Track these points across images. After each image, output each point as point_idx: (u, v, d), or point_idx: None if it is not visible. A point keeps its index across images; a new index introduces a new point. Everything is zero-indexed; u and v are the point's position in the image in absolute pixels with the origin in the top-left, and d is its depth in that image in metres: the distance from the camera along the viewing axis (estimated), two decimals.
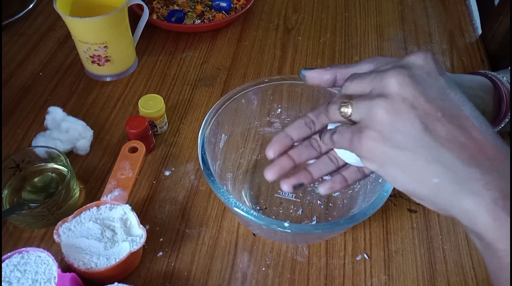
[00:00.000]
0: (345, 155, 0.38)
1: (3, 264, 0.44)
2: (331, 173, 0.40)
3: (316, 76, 0.38)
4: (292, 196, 0.55)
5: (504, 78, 0.51)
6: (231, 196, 0.42)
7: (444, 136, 0.27)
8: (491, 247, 0.27)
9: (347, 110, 0.33)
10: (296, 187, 0.39)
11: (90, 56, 0.67)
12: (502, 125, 0.53)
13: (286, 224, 0.40)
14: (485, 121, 0.29)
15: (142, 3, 0.71)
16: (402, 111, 0.28)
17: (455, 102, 0.28)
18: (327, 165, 0.40)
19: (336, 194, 0.55)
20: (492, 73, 0.52)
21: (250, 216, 0.41)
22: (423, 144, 0.28)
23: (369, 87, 0.31)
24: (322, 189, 0.39)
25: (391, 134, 0.29)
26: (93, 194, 0.55)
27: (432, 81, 0.29)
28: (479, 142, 0.27)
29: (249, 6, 0.80)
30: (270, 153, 0.39)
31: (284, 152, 0.39)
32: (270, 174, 0.38)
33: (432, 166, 0.28)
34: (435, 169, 0.28)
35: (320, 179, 0.40)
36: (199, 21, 0.79)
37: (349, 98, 0.33)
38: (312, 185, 0.55)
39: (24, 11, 0.79)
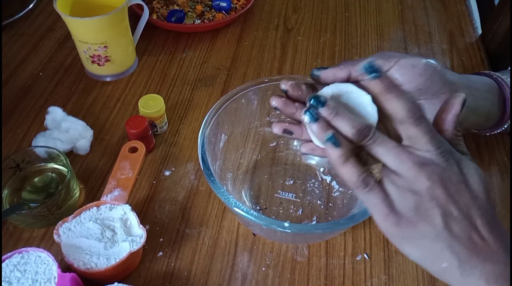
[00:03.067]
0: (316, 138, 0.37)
1: (3, 264, 0.44)
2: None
3: (330, 76, 0.39)
4: (292, 196, 0.55)
5: (508, 79, 0.51)
6: (231, 196, 0.42)
7: (458, 232, 0.32)
8: None
9: (376, 175, 0.34)
10: (286, 132, 0.41)
11: (90, 56, 0.67)
12: (505, 126, 0.53)
13: (286, 224, 0.40)
14: (492, 215, 0.33)
15: (142, 3, 0.71)
16: (429, 209, 0.32)
17: (469, 200, 0.33)
18: None
19: (336, 194, 0.55)
20: (497, 73, 0.52)
21: (250, 216, 0.41)
22: (441, 237, 0.32)
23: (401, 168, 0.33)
24: (303, 149, 0.41)
25: (418, 221, 0.33)
26: (93, 194, 0.55)
27: (454, 182, 0.33)
28: (482, 234, 0.32)
29: (249, 6, 0.80)
30: (284, 85, 0.40)
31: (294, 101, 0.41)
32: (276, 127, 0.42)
33: (445, 253, 0.32)
34: (447, 256, 0.32)
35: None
36: (199, 21, 0.79)
37: (378, 166, 0.35)
38: (312, 185, 0.56)
39: (24, 11, 0.80)
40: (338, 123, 0.34)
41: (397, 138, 0.35)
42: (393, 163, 0.33)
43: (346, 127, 0.34)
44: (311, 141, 0.39)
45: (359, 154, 0.36)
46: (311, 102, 0.35)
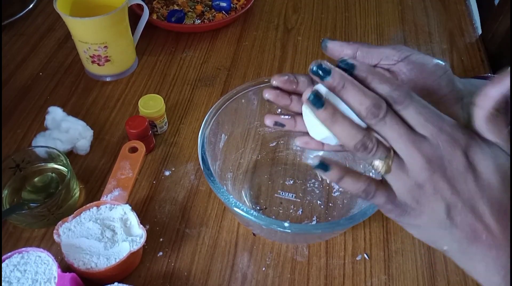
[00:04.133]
0: (314, 130, 0.36)
1: (3, 264, 0.44)
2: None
3: (337, 49, 0.39)
4: (292, 196, 0.55)
5: None
6: (231, 196, 0.42)
7: (459, 222, 0.32)
8: None
9: (381, 167, 0.33)
10: (277, 124, 0.41)
11: (90, 56, 0.67)
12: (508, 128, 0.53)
13: (286, 224, 0.40)
14: (506, 204, 0.32)
15: (142, 3, 0.71)
16: (432, 202, 0.32)
17: (475, 190, 0.31)
18: None
19: (336, 194, 0.55)
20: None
21: (250, 216, 0.41)
22: (443, 225, 0.32)
23: (407, 158, 0.32)
24: (298, 142, 0.40)
25: (421, 213, 0.33)
26: (93, 194, 0.55)
27: (459, 171, 0.32)
28: (489, 225, 0.31)
29: (249, 6, 0.80)
30: (275, 81, 0.39)
31: (289, 93, 0.40)
32: (268, 119, 0.41)
33: (446, 238, 0.33)
34: (449, 240, 0.33)
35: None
36: (199, 21, 0.79)
37: (388, 156, 0.33)
38: (312, 185, 0.56)
39: (24, 11, 0.79)
40: (346, 97, 0.32)
41: None
42: (402, 152, 0.32)
43: (354, 103, 0.32)
44: (305, 133, 0.38)
45: (366, 150, 0.33)
46: (314, 69, 0.32)
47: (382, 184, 0.34)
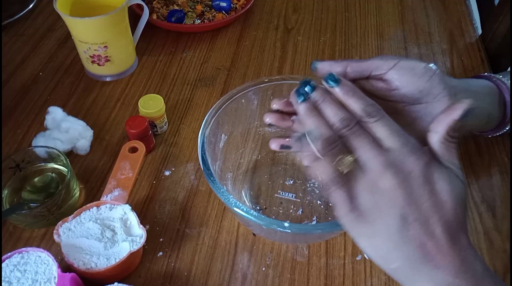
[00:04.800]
0: None
1: (3, 264, 0.44)
2: None
3: (327, 68, 0.41)
4: (292, 196, 0.55)
5: (508, 81, 0.51)
6: (231, 196, 0.42)
7: (411, 236, 0.32)
8: None
9: (342, 166, 0.35)
10: (284, 147, 0.41)
11: (90, 56, 0.67)
12: (507, 128, 0.53)
13: (286, 224, 0.40)
14: (458, 226, 0.33)
15: (142, 3, 0.71)
16: (387, 209, 0.33)
17: (431, 207, 0.33)
18: None
19: None
20: (497, 76, 0.52)
21: (250, 216, 0.41)
22: (394, 237, 0.33)
23: (371, 162, 0.34)
24: (306, 161, 0.40)
25: (374, 220, 0.33)
26: (93, 194, 0.55)
27: (418, 186, 0.33)
28: (439, 242, 0.32)
29: (249, 6, 0.80)
30: (275, 105, 0.43)
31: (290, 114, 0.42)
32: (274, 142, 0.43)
33: (395, 254, 0.33)
34: (396, 257, 0.33)
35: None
36: (199, 21, 0.79)
37: (351, 156, 0.35)
38: (312, 185, 0.56)
39: (24, 11, 0.79)
40: (324, 108, 0.36)
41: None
42: (363, 158, 0.34)
43: (330, 114, 0.36)
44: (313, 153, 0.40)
45: (334, 144, 0.36)
46: (302, 85, 0.37)
47: (348, 183, 0.35)
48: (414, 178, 0.33)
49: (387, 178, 0.33)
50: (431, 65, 0.41)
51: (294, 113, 0.41)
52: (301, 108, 0.37)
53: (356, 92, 0.36)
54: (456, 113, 0.34)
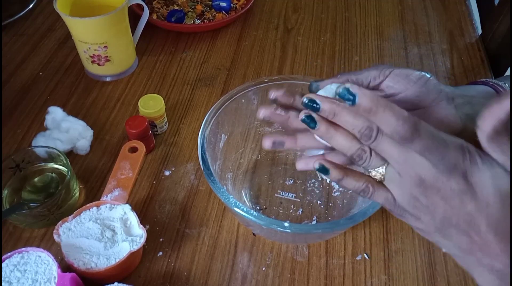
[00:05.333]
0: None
1: (3, 264, 0.44)
2: (316, 149, 0.42)
3: (328, 85, 0.41)
4: (292, 196, 0.55)
5: (506, 84, 0.51)
6: (231, 196, 0.42)
7: (455, 235, 0.34)
8: None
9: (379, 174, 0.35)
10: (276, 144, 0.40)
11: (90, 56, 0.67)
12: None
13: (286, 224, 0.40)
14: (504, 220, 0.33)
15: (142, 3, 0.71)
16: (428, 212, 0.34)
17: (473, 210, 0.33)
18: (314, 141, 0.40)
19: (336, 194, 0.55)
20: (493, 80, 0.52)
21: (250, 216, 0.41)
22: (440, 234, 0.34)
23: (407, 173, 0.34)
24: (299, 165, 0.40)
25: (417, 219, 0.35)
26: (93, 194, 0.55)
27: (456, 193, 0.33)
28: (487, 239, 0.33)
29: (249, 6, 0.80)
30: (273, 95, 0.41)
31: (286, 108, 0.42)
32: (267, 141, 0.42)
33: (444, 243, 0.35)
34: (445, 245, 0.35)
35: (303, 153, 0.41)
36: (199, 21, 0.79)
37: (382, 166, 0.35)
38: (312, 185, 0.56)
39: (24, 11, 0.79)
40: (340, 122, 0.34)
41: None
42: (396, 167, 0.34)
43: (351, 127, 0.34)
44: (306, 155, 0.40)
45: (362, 159, 0.35)
46: (306, 103, 0.34)
47: (382, 186, 0.35)
48: (452, 188, 0.33)
49: (420, 188, 0.33)
50: (424, 72, 0.42)
51: (290, 106, 0.41)
52: (318, 134, 0.35)
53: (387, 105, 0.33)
54: (502, 106, 0.31)
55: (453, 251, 0.35)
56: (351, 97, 0.32)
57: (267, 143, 0.41)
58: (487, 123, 0.32)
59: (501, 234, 0.32)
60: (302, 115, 0.35)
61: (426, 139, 0.32)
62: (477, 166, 0.33)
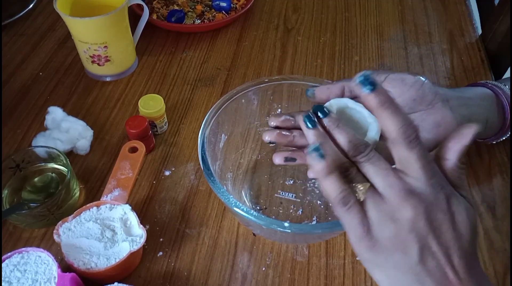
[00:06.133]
0: None
1: (3, 264, 0.44)
2: None
3: (325, 91, 0.42)
4: (292, 196, 0.55)
5: (506, 86, 0.51)
6: (231, 196, 0.42)
7: (432, 268, 0.31)
8: None
9: (359, 194, 0.33)
10: (288, 160, 0.41)
11: (90, 56, 0.67)
12: (509, 134, 0.53)
13: (286, 224, 0.40)
14: (472, 257, 0.32)
15: (142, 3, 0.71)
16: (407, 240, 0.31)
17: (451, 239, 0.32)
18: None
19: None
20: (492, 82, 0.52)
21: (250, 216, 0.41)
22: (414, 270, 0.32)
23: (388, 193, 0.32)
24: (311, 174, 0.39)
25: (394, 250, 0.32)
26: (93, 194, 0.55)
27: (439, 217, 0.32)
28: (459, 272, 0.31)
29: (249, 6, 0.80)
30: (273, 122, 0.42)
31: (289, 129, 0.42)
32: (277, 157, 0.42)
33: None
34: None
35: None
36: (199, 21, 0.79)
37: (364, 184, 0.33)
38: (312, 185, 0.56)
39: (24, 11, 0.79)
40: (337, 134, 0.34)
41: (390, 158, 0.34)
42: (381, 185, 0.32)
43: (343, 140, 0.34)
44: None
45: (348, 171, 0.34)
46: (314, 111, 0.35)
47: (362, 206, 0.33)
48: (437, 210, 0.31)
49: (409, 208, 0.31)
50: (419, 76, 0.42)
51: (293, 128, 0.41)
52: (310, 134, 0.35)
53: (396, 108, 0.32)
54: (466, 138, 0.33)
55: None
56: (371, 87, 0.32)
57: (278, 160, 0.41)
58: (452, 154, 0.33)
59: (470, 272, 0.32)
60: (307, 150, 0.34)
61: (422, 149, 0.32)
62: (455, 193, 0.33)
